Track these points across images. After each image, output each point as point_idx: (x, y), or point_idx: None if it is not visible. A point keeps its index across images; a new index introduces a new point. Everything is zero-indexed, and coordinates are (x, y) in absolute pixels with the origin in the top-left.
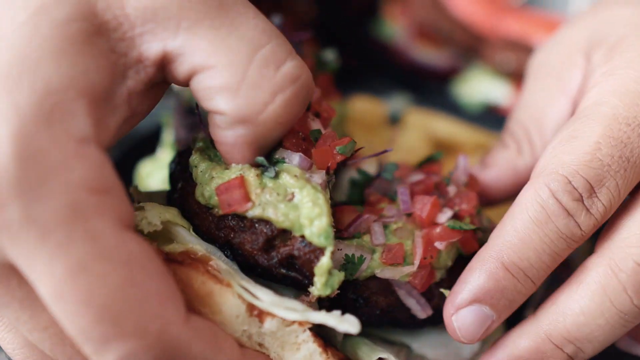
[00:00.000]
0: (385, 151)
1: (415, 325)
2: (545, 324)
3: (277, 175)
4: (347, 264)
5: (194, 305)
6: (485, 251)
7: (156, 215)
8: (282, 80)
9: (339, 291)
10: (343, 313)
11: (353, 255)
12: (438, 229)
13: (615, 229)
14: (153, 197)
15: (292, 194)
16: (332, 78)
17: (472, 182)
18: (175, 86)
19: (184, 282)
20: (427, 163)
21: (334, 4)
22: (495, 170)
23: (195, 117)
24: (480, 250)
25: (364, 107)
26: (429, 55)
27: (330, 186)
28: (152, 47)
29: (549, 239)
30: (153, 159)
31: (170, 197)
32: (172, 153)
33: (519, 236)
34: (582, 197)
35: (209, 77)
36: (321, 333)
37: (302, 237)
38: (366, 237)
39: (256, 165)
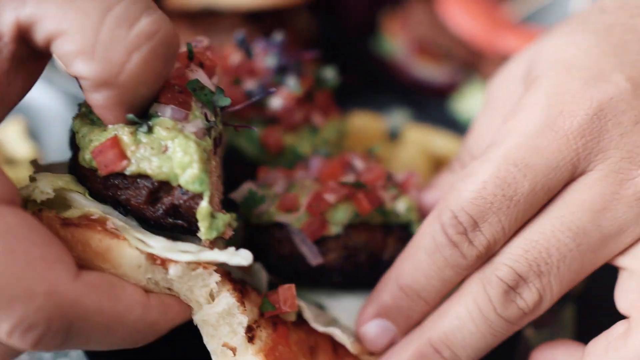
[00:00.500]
0: (269, 92)
1: (310, 275)
2: (427, 329)
3: (150, 130)
4: (248, 198)
5: (95, 263)
6: (389, 273)
7: (48, 184)
8: (137, 38)
9: (233, 232)
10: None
11: (255, 192)
12: (330, 183)
13: (495, 254)
14: (54, 168)
15: (166, 145)
16: (332, 95)
17: (408, 181)
18: None
19: (83, 243)
20: (364, 152)
21: (334, 20)
22: (438, 192)
23: None
24: (386, 272)
25: (363, 123)
26: (428, 70)
27: (215, 133)
28: (5, 20)
29: (437, 266)
30: None
31: (69, 166)
32: None
33: (413, 262)
34: (466, 230)
35: (64, 42)
36: (249, 283)
37: (180, 186)
38: (273, 190)
39: (132, 123)
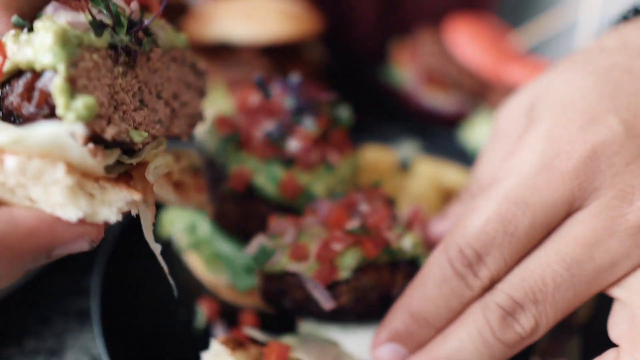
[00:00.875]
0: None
1: (325, 317)
2: (430, 351)
3: (32, 29)
4: (260, 254)
5: None
6: (401, 301)
7: None
8: None
9: (98, 132)
10: (279, 311)
11: (266, 247)
12: (336, 233)
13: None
14: None
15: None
16: (347, 133)
17: (413, 217)
18: (198, 139)
19: None
20: (370, 189)
21: (344, 49)
22: (449, 222)
23: (218, 171)
24: (398, 299)
25: (375, 156)
26: (437, 99)
27: (114, 40)
28: None
29: (444, 295)
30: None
31: None
32: None
33: (422, 292)
34: (471, 263)
35: None
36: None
37: (43, 69)
38: (282, 239)
39: (18, 26)
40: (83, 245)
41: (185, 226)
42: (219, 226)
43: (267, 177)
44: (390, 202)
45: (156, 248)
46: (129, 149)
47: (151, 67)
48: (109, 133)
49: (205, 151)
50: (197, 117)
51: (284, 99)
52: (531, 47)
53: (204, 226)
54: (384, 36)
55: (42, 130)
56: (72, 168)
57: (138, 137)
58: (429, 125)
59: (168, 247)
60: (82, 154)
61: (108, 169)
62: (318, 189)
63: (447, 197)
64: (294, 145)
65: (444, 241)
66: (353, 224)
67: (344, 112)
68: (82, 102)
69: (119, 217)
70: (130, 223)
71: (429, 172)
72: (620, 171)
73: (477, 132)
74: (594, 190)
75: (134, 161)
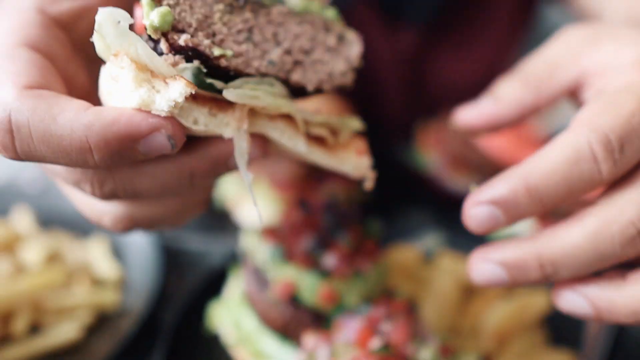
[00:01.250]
0: None
1: None
2: (540, 246)
3: None
4: None
5: None
6: (516, 170)
7: None
8: None
9: (173, 40)
10: None
11: None
12: (362, 352)
13: (619, 190)
14: None
15: None
16: (377, 244)
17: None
18: (245, 248)
19: None
20: (392, 301)
21: (370, 133)
22: (505, 104)
23: (263, 277)
24: (512, 168)
25: (402, 256)
26: (461, 184)
27: None
28: None
29: (572, 176)
30: (221, 300)
31: None
32: (242, 302)
33: (547, 167)
34: (613, 150)
35: None
36: None
37: None
38: (317, 357)
39: None
40: (163, 142)
41: (232, 321)
42: (264, 324)
43: (307, 287)
44: (411, 309)
45: (247, 177)
46: (216, 70)
47: (272, 20)
48: (182, 39)
49: (252, 261)
50: (336, 78)
51: (322, 216)
52: (551, 131)
53: (250, 322)
54: (410, 119)
55: (100, 16)
56: (141, 66)
57: (218, 51)
58: (454, 212)
59: (216, 341)
60: (149, 51)
61: (203, 88)
62: (352, 298)
63: (469, 292)
64: (330, 260)
65: (579, 125)
66: (377, 343)
67: (374, 227)
68: (157, 11)
69: (172, 105)
70: (187, 311)
71: (452, 267)
72: None
73: None
74: None
75: (225, 85)
